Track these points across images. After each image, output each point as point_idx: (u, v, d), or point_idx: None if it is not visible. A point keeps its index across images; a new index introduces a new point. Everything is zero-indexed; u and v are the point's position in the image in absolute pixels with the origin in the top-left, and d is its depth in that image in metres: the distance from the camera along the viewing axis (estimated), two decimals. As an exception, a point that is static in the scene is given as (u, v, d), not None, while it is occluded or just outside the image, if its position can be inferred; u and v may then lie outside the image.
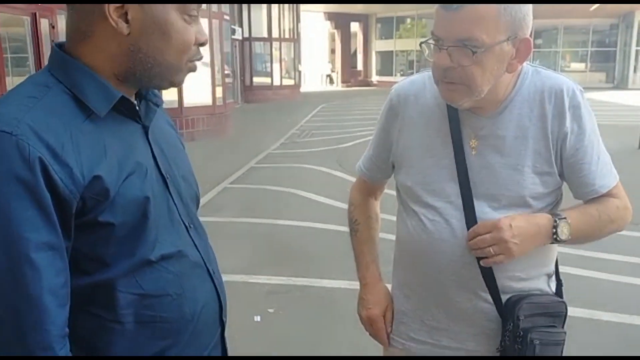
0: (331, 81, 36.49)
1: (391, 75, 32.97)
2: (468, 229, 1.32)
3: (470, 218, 1.33)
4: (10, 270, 0.88)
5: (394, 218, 1.52)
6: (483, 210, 1.33)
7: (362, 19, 34.76)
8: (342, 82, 34.94)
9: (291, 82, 24.23)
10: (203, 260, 1.16)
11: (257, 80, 22.69)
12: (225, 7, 14.42)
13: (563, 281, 1.49)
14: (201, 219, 1.24)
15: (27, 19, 8.18)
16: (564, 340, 1.37)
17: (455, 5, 1.18)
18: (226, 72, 14.10)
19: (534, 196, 1.33)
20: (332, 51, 38.28)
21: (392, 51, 33.89)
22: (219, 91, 12.73)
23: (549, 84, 1.33)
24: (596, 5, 24.48)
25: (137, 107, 1.08)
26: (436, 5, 1.23)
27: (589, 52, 30.86)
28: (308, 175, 8.33)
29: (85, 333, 1.01)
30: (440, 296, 1.41)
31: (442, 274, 1.38)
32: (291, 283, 4.28)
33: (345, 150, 10.14)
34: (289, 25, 23.74)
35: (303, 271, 4.50)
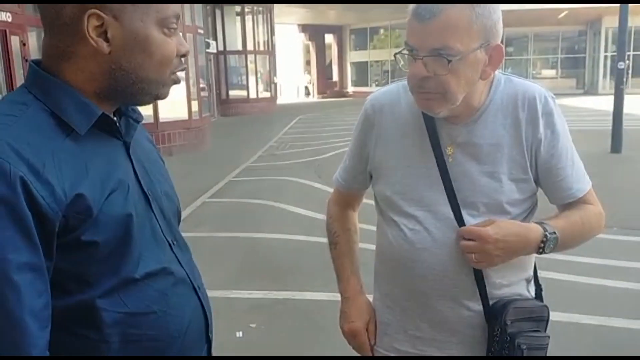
0: (307, 92, 36.61)
1: (367, 85, 33.23)
2: (452, 235, 1.33)
3: (460, 224, 1.33)
4: None
5: (374, 228, 1.52)
6: (463, 217, 1.34)
7: (336, 30, 35.04)
8: (318, 93, 35.11)
9: (267, 94, 24.26)
10: (188, 276, 1.14)
11: (233, 93, 22.69)
12: (199, 21, 14.41)
13: (542, 286, 1.50)
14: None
15: (-3, 37, 8.07)
16: (547, 344, 1.38)
17: (427, 16, 1.19)
18: (201, 85, 14.06)
19: (511, 202, 1.34)
20: (308, 63, 38.46)
21: (366, 62, 34.19)
22: (195, 105, 12.68)
23: (521, 91, 1.35)
24: (565, 12, 25.01)
25: (118, 124, 1.07)
26: (408, 16, 1.25)
27: (559, 59, 31.49)
28: (287, 187, 8.32)
29: (71, 354, 0.99)
30: (422, 306, 1.40)
31: (423, 283, 1.38)
32: (273, 297, 4.25)
33: (324, 161, 10.16)
34: (263, 38, 23.81)
35: (284, 284, 4.47)
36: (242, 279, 4.57)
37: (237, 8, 22.31)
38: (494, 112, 1.35)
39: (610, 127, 10.37)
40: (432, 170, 1.36)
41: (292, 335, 3.65)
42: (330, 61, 36.99)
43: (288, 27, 34.72)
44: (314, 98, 34.71)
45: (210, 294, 1.22)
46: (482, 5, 1.21)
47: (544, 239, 1.29)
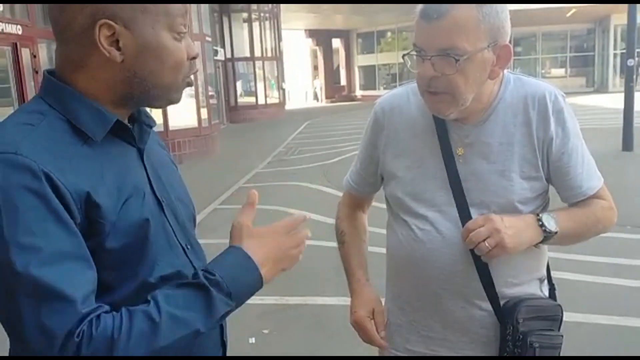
0: (316, 97, 36.66)
1: (374, 89, 33.21)
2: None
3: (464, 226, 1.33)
4: (42, 286, 0.86)
5: (384, 231, 1.53)
6: (473, 217, 1.33)
7: (343, 34, 35.08)
8: (326, 97, 35.14)
9: (276, 100, 24.31)
10: None
11: (241, 100, 22.75)
12: (207, 29, 14.49)
13: (556, 285, 1.50)
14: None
15: (8, 49, 8.17)
16: (561, 344, 1.37)
17: (435, 16, 1.21)
18: (210, 93, 14.13)
19: (522, 201, 1.34)
20: (315, 68, 38.52)
21: (374, 65, 34.19)
22: (204, 112, 12.74)
23: (531, 90, 1.36)
24: (573, 11, 24.89)
25: (132, 130, 1.08)
26: (416, 17, 1.26)
27: (568, 58, 31.30)
28: (296, 192, 8.32)
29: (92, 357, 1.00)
30: (434, 306, 1.41)
31: (434, 283, 1.38)
32: (284, 302, 4.25)
33: (332, 166, 10.15)
34: (271, 44, 23.87)
35: (296, 289, 4.47)
36: (254, 285, 4.57)
37: (244, 15, 22.41)
38: (504, 111, 1.35)
39: (622, 125, 10.29)
40: (443, 171, 1.37)
41: (305, 341, 3.66)
42: (338, 65, 37.03)
43: (295, 33, 34.83)
44: (322, 103, 34.74)
45: (222, 300, 1.23)
46: (489, 5, 1.22)
47: (538, 217, 1.30)
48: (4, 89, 8.43)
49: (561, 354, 1.39)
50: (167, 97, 1.06)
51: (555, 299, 1.47)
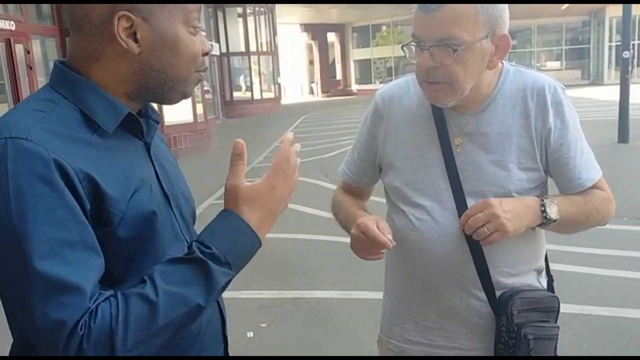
0: (311, 92, 36.62)
1: (370, 83, 33.21)
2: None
3: (463, 214, 1.33)
4: (51, 274, 0.85)
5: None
6: (469, 206, 1.33)
7: (338, 29, 35.01)
8: (322, 92, 35.09)
9: (271, 95, 24.27)
10: None
11: (237, 95, 22.70)
12: (202, 24, 14.42)
13: (554, 277, 1.50)
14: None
15: (2, 45, 8.12)
16: (557, 335, 1.37)
17: (433, 6, 1.21)
18: (205, 88, 14.08)
19: (520, 191, 1.34)
20: (311, 62, 38.45)
21: (369, 59, 34.16)
22: (200, 108, 12.71)
23: (530, 81, 1.36)
24: (566, 6, 24.88)
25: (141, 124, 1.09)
26: (415, 8, 1.26)
27: (564, 50, 31.35)
28: (293, 187, 8.30)
29: None
30: (431, 295, 1.41)
31: (432, 272, 1.38)
32: (282, 296, 4.26)
33: (330, 160, 10.16)
34: (266, 39, 23.81)
35: (293, 283, 4.48)
36: (251, 280, 4.57)
37: (239, 9, 22.34)
38: (502, 101, 1.36)
39: (617, 117, 10.31)
40: (441, 161, 1.37)
41: (303, 334, 3.66)
42: (334, 60, 36.98)
43: (290, 27, 34.71)
44: (318, 97, 34.70)
45: (221, 295, 1.23)
46: None
47: (542, 202, 1.31)
48: (-2, 85, 8.40)
49: (558, 346, 1.39)
50: (181, 91, 1.07)
51: (553, 291, 1.47)
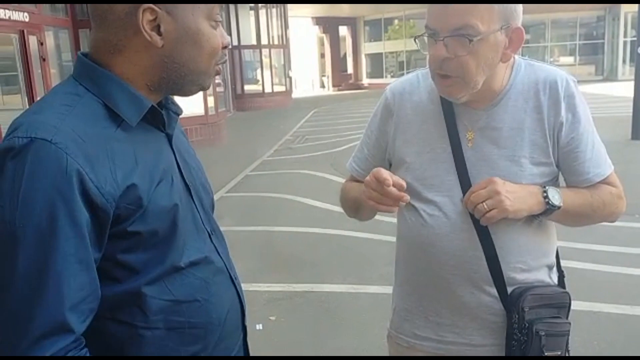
0: (322, 85, 36.54)
1: (382, 77, 33.04)
2: (471, 220, 1.32)
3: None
4: (35, 279, 0.87)
5: (394, 220, 1.52)
6: None
7: (350, 22, 34.86)
8: (333, 86, 34.98)
9: (282, 88, 24.25)
10: (226, 266, 1.18)
11: (248, 88, 22.69)
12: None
13: (565, 273, 1.49)
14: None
15: (16, 37, 8.17)
16: (568, 331, 1.37)
17: None
18: (217, 81, 14.10)
19: None
20: (322, 55, 38.32)
21: (381, 53, 33.97)
22: (211, 101, 12.72)
23: (542, 75, 1.36)
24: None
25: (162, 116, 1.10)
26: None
27: (577, 46, 30.99)
28: (304, 180, 8.33)
29: (114, 341, 1.01)
30: (442, 291, 1.41)
31: (443, 268, 1.38)
32: (291, 289, 4.27)
33: (340, 154, 10.14)
34: (277, 32, 23.76)
35: (303, 277, 4.49)
36: (260, 272, 4.60)
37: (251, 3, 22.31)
38: (514, 96, 1.35)
39: (631, 114, 10.20)
40: (451, 156, 1.37)
41: (311, 327, 3.67)
42: (345, 53, 36.84)
43: (302, 20, 34.61)
44: (329, 91, 34.63)
45: (230, 287, 1.24)
46: None
47: (544, 189, 1.31)
48: (12, 77, 8.45)
49: (569, 342, 1.38)
50: (201, 83, 1.08)
51: (564, 286, 1.46)
